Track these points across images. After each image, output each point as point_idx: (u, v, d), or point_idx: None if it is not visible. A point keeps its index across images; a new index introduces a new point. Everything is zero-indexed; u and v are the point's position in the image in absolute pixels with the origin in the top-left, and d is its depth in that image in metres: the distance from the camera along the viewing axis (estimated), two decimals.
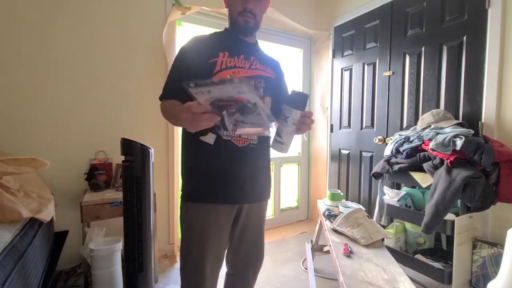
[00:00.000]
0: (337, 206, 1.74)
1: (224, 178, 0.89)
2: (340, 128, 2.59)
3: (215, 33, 1.00)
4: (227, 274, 1.10)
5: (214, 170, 0.89)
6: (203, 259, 0.90)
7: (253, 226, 1.03)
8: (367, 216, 1.47)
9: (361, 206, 1.63)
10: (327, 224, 1.54)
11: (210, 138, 0.87)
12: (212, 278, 0.94)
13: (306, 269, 1.88)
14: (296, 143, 2.91)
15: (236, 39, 0.96)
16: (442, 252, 1.64)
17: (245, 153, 0.91)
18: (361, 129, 2.36)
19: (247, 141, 0.90)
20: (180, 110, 0.68)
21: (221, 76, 0.86)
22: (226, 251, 1.01)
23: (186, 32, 2.18)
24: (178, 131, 2.09)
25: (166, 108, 0.89)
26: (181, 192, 0.97)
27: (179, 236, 2.19)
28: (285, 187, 2.82)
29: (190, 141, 0.92)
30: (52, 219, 1.36)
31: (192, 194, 0.92)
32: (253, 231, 1.04)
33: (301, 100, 0.77)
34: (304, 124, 0.77)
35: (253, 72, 0.93)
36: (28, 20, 1.61)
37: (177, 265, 1.94)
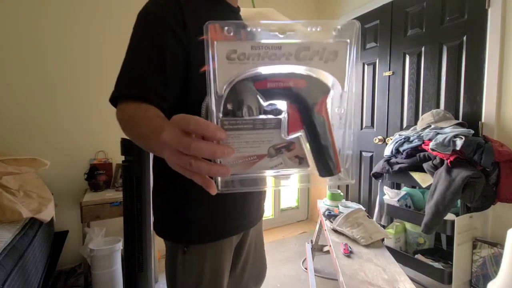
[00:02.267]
0: (337, 206, 1.74)
1: (237, 202, 0.68)
2: None
3: None
4: None
5: (227, 196, 0.63)
6: None
7: (255, 247, 0.87)
8: (367, 216, 1.47)
9: (361, 206, 1.63)
10: (327, 224, 1.54)
11: None
12: None
13: (306, 269, 1.88)
14: None
15: (220, 3, 0.66)
16: (442, 252, 1.64)
17: None
18: (361, 129, 2.36)
19: None
20: (162, 140, 0.32)
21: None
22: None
23: None
24: None
25: (129, 117, 0.51)
26: (165, 230, 0.66)
27: None
28: (285, 187, 2.81)
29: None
30: (52, 219, 1.36)
31: (201, 233, 0.64)
32: (256, 252, 0.88)
33: None
34: None
35: None
36: (28, 21, 1.61)
37: None
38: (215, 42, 0.30)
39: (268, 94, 0.33)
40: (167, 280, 0.68)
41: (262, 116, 0.33)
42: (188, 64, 0.54)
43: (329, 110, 0.34)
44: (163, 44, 0.51)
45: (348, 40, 0.32)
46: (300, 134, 0.35)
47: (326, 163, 0.35)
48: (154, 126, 0.42)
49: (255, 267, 0.89)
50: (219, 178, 0.34)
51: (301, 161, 0.36)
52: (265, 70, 0.32)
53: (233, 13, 0.70)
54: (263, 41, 0.31)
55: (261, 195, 0.80)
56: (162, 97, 0.50)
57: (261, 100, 0.33)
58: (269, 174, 0.36)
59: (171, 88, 0.53)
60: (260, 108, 0.33)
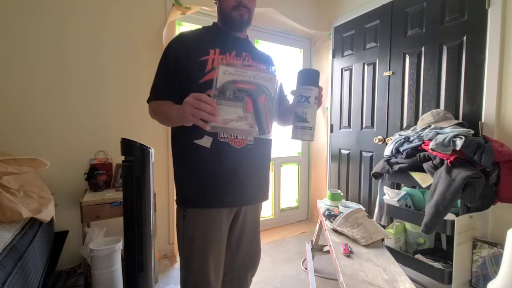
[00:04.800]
0: (337, 206, 1.74)
1: (226, 181, 0.86)
2: (340, 128, 2.59)
3: (204, 27, 0.95)
4: (224, 281, 1.03)
5: (214, 173, 0.85)
6: (208, 267, 0.87)
7: (251, 228, 1.01)
8: (367, 216, 1.47)
9: (361, 206, 1.63)
10: (327, 224, 1.54)
11: (206, 142, 0.84)
12: (216, 286, 0.91)
13: (306, 269, 1.88)
14: (296, 143, 2.91)
15: (226, 34, 0.92)
16: (442, 252, 1.64)
17: (243, 154, 0.88)
18: (361, 129, 2.36)
19: (243, 142, 0.87)
20: (184, 101, 0.69)
21: (213, 75, 0.79)
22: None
23: None
24: None
25: (157, 107, 0.86)
26: (177, 198, 0.92)
27: None
28: (285, 187, 2.82)
29: (184, 145, 0.87)
30: (52, 219, 1.36)
31: (193, 199, 0.87)
32: (251, 232, 1.01)
33: (316, 76, 0.77)
34: (320, 100, 0.79)
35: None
36: (29, 20, 1.61)
37: (177, 265, 1.94)
38: (219, 65, 0.69)
39: (238, 90, 0.71)
40: (178, 243, 0.93)
41: (234, 100, 0.70)
42: (188, 77, 0.84)
43: (266, 102, 0.73)
44: (171, 68, 0.86)
45: (276, 74, 0.73)
46: (251, 111, 0.72)
47: (262, 127, 0.73)
48: (174, 106, 0.80)
49: (250, 246, 1.03)
50: (211, 124, 0.67)
51: (252, 126, 0.72)
52: (238, 80, 0.71)
53: (239, 42, 0.95)
54: (240, 68, 0.71)
55: (253, 179, 0.94)
56: (171, 98, 0.85)
57: (234, 92, 0.70)
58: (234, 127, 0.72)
59: (175, 93, 0.85)
60: (234, 95, 0.70)
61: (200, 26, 0.97)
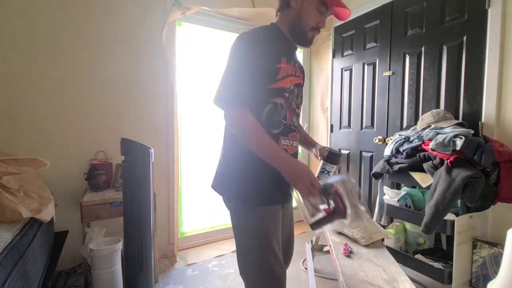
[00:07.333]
0: None
1: (283, 180, 0.92)
2: (340, 128, 2.59)
3: (268, 32, 0.92)
4: None
5: (276, 174, 0.90)
6: (280, 256, 0.96)
7: (289, 221, 1.18)
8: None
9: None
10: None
11: None
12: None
13: (306, 269, 1.88)
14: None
15: (291, 44, 0.96)
16: (442, 252, 1.64)
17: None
18: (361, 129, 2.36)
19: (295, 149, 1.02)
20: (303, 173, 0.82)
21: (282, 83, 0.88)
22: None
23: (186, 32, 2.17)
24: (179, 131, 2.10)
25: (260, 133, 0.84)
26: (239, 197, 0.95)
27: (179, 236, 2.19)
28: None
29: (246, 148, 0.90)
30: (52, 219, 1.36)
31: (263, 198, 0.93)
32: (289, 225, 1.19)
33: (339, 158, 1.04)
34: None
35: (297, 80, 0.96)
36: (30, 20, 1.61)
37: (177, 265, 1.94)
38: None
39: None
40: (234, 230, 0.98)
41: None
42: (262, 80, 0.84)
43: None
44: (258, 72, 0.83)
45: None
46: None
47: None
48: (284, 155, 0.86)
49: (287, 240, 1.17)
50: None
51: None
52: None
53: (296, 52, 1.00)
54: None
55: None
56: (252, 106, 0.84)
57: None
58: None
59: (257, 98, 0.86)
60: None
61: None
